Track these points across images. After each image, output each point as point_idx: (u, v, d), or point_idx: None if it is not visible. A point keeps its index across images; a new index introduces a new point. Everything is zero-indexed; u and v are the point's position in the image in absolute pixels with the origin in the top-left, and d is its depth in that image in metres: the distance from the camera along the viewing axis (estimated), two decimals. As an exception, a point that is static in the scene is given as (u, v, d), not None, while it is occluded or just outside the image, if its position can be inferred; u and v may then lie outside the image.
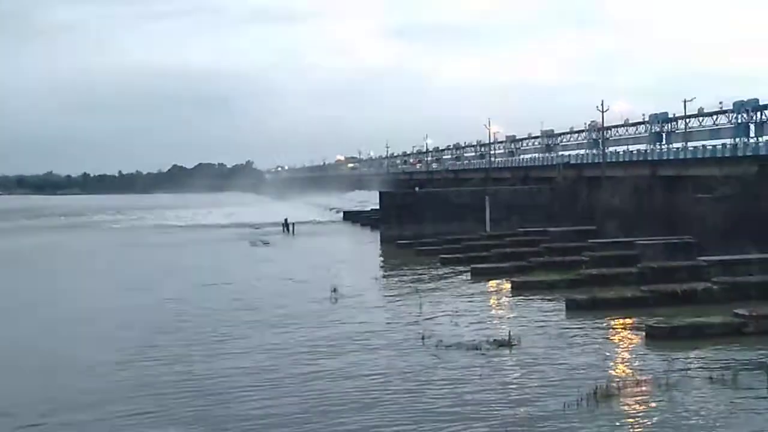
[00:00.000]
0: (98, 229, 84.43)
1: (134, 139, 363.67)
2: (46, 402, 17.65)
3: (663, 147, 50.56)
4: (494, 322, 25.88)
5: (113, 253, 56.35)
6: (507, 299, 30.86)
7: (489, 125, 79.99)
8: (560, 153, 67.42)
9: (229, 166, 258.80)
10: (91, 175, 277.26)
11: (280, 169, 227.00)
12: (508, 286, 32.81)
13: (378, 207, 61.15)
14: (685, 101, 49.81)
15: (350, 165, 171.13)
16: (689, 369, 19.16)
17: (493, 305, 30.09)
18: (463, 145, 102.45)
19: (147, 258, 52.04)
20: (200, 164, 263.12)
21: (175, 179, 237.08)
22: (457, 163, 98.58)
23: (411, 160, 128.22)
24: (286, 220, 70.01)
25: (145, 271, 43.77)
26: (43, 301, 33.58)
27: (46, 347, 23.90)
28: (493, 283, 34.47)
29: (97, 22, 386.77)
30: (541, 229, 47.75)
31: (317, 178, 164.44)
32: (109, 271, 45.40)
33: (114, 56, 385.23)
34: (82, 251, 58.75)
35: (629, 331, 23.84)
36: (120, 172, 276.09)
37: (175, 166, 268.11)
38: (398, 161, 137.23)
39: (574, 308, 27.09)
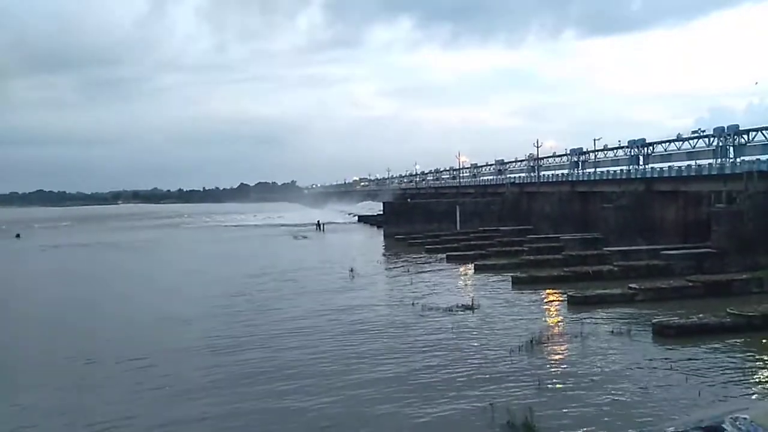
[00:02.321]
0: (189, 227, 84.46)
1: (214, 165, 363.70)
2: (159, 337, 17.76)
3: (579, 171, 50.46)
4: (462, 292, 25.89)
5: (201, 244, 56.39)
6: (471, 277, 30.81)
7: (459, 156, 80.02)
8: (508, 175, 67.19)
9: (279, 184, 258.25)
10: (184, 189, 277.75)
11: (314, 186, 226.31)
12: (472, 267, 32.75)
13: (382, 212, 61.10)
14: (594, 140, 49.83)
15: (362, 183, 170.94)
16: (597, 325, 19.20)
17: (462, 281, 30.08)
18: (440, 170, 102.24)
19: (224, 247, 51.97)
20: (259, 183, 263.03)
21: (241, 193, 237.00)
22: (437, 182, 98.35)
23: (405, 180, 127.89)
24: (318, 221, 69.88)
25: (222, 255, 43.73)
26: (155, 275, 33.81)
27: (163, 304, 24.07)
28: (461, 265, 34.45)
29: (190, 84, 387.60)
30: (494, 228, 47.73)
31: (340, 192, 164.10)
32: (198, 257, 45.37)
33: (202, 107, 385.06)
34: (180, 243, 58.88)
35: (556, 299, 23.87)
36: (203, 187, 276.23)
37: (242, 183, 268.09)
38: (396, 180, 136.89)
39: (517, 283, 27.06)
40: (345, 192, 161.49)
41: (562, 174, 52.67)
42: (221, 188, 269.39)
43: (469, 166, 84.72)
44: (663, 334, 17.50)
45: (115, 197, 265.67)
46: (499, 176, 69.79)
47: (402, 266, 34.92)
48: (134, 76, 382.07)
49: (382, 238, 53.86)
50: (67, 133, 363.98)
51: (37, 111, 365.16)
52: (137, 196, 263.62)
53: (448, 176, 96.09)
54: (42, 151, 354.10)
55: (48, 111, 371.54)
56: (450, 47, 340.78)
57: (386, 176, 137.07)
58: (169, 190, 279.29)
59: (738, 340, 16.77)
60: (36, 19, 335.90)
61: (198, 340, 18.50)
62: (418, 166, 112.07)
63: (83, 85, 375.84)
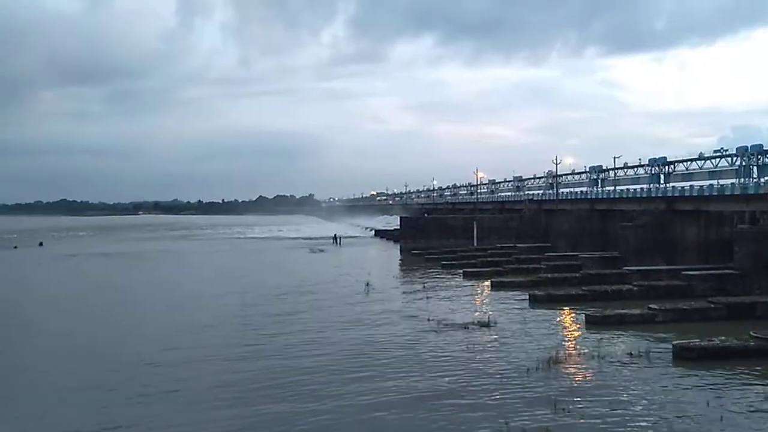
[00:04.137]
0: (207, 239, 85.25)
1: (234, 177, 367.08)
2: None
3: (599, 189, 49.98)
4: (478, 309, 25.70)
5: (218, 255, 56.85)
6: (488, 294, 30.58)
7: (477, 172, 79.54)
8: (526, 192, 66.85)
9: (297, 197, 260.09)
10: (204, 201, 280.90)
11: (332, 199, 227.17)
12: (488, 284, 32.50)
13: (399, 227, 61.03)
14: (615, 157, 49.22)
15: (379, 198, 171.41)
16: (615, 346, 18.85)
17: (478, 297, 29.85)
18: (458, 185, 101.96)
19: (241, 258, 52.32)
20: (278, 195, 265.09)
21: (260, 205, 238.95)
22: (454, 197, 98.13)
23: (422, 195, 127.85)
24: (335, 235, 70.05)
25: (239, 267, 43.97)
26: (180, 283, 34.36)
27: (179, 313, 24.23)
28: (478, 282, 34.19)
29: (213, 97, 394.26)
30: (512, 245, 47.40)
31: (357, 206, 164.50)
32: (214, 268, 45.68)
33: (224, 120, 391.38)
34: (197, 254, 59.50)
35: (574, 319, 23.53)
36: (223, 199, 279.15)
37: (260, 196, 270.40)
38: (414, 195, 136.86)
39: (535, 301, 26.79)
40: (362, 206, 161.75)
41: (581, 191, 52.20)
42: (240, 200, 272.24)
43: (487, 182, 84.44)
44: (684, 356, 17.10)
45: (136, 208, 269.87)
46: (517, 193, 69.44)
47: (418, 281, 34.74)
48: (159, 88, 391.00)
49: (399, 252, 53.74)
50: (91, 144, 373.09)
51: (63, 122, 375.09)
52: (158, 207, 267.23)
53: (465, 192, 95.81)
54: (67, 162, 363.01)
55: (74, 122, 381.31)
56: (472, 64, 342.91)
57: (404, 191, 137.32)
58: (189, 202, 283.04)
59: (762, 365, 16.29)
60: (66, 34, 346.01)
61: (210, 348, 18.52)
62: (435, 182, 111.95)
63: (109, 97, 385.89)
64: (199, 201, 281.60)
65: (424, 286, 32.20)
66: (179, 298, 29.27)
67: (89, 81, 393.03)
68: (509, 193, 72.33)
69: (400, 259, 49.60)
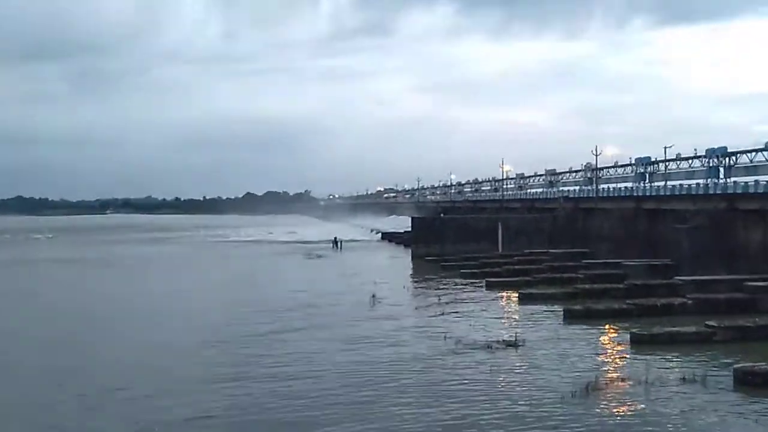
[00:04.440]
0: (186, 242, 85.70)
1: (217, 170, 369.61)
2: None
3: (646, 185, 49.79)
4: (504, 326, 25.67)
5: (198, 263, 57.21)
6: (515, 307, 30.57)
7: (502, 164, 79.26)
8: (560, 188, 66.75)
9: (291, 194, 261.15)
10: (182, 198, 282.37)
11: (331, 197, 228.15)
12: (515, 296, 32.48)
13: (410, 229, 61.09)
14: (665, 147, 49.23)
15: (387, 195, 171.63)
16: (666, 369, 18.76)
17: (503, 312, 29.82)
18: (480, 180, 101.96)
19: (225, 266, 52.64)
20: (268, 192, 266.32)
21: (248, 204, 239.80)
22: (476, 194, 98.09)
23: (438, 192, 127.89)
24: (335, 238, 70.25)
25: (222, 276, 44.24)
26: (154, 295, 34.60)
27: (153, 332, 24.37)
28: (503, 293, 34.18)
29: (194, 78, 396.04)
30: (544, 250, 47.30)
31: (361, 204, 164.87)
32: (199, 276, 45.97)
33: (206, 104, 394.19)
34: (178, 260, 60.04)
35: (616, 337, 23.44)
36: (204, 196, 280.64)
37: (248, 193, 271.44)
38: (427, 192, 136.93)
39: (570, 317, 26.71)
40: (367, 204, 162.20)
41: (626, 188, 52.07)
42: (224, 198, 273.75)
43: (515, 176, 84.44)
44: (746, 382, 17.00)
45: (103, 206, 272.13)
46: (550, 189, 69.41)
47: (432, 293, 34.80)
48: (131, 67, 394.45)
49: (410, 259, 53.80)
50: (52, 131, 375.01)
51: (18, 106, 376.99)
52: (129, 206, 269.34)
53: (489, 188, 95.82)
54: (23, 152, 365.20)
55: (31, 106, 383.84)
56: (497, 37, 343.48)
57: (416, 187, 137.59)
58: (164, 199, 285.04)
59: (840, 393, 16.18)
60: (23, 1, 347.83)
61: (193, 372, 18.64)
62: (453, 176, 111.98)
63: (72, 76, 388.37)
64: (177, 198, 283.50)
65: (439, 299, 32.22)
66: (151, 313, 29.46)
67: (50, 57, 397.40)
68: (540, 190, 72.27)
69: (411, 267, 49.64)
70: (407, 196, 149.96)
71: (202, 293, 35.93)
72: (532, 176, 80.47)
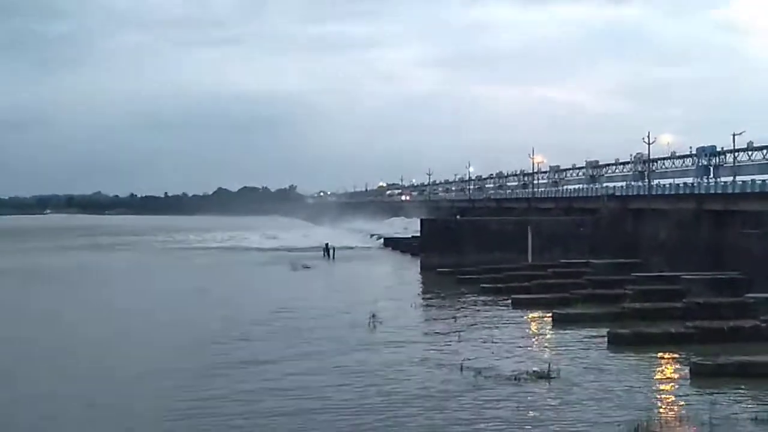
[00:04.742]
0: (144, 249, 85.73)
1: (182, 161, 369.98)
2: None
3: (710, 181, 49.76)
4: (534, 353, 25.66)
5: (158, 275, 57.27)
6: (547, 331, 30.56)
7: (533, 155, 79.34)
8: (605, 184, 66.77)
9: (272, 190, 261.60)
10: (138, 195, 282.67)
11: (322, 194, 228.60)
12: (549, 317, 32.47)
13: (419, 234, 61.11)
14: (734, 134, 48.92)
15: (388, 192, 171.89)
16: (734, 406, 18.72)
17: (533, 337, 29.81)
18: (505, 174, 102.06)
19: (191, 280, 52.53)
20: (244, 187, 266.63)
21: (219, 202, 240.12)
22: (500, 192, 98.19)
23: (453, 188, 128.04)
24: (326, 244, 70.33)
25: (188, 292, 44.07)
26: (101, 313, 34.49)
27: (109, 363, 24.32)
28: (533, 314, 34.13)
29: (154, 47, 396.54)
30: (584, 261, 47.27)
31: (359, 204, 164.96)
32: (157, 290, 45.96)
33: (169, 79, 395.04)
34: (132, 271, 60.08)
35: (673, 368, 23.42)
36: (166, 193, 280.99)
37: (220, 188, 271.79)
38: (440, 189, 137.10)
39: (616, 342, 26.66)
40: (366, 203, 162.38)
41: (685, 184, 52.08)
42: (190, 195, 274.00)
43: (548, 169, 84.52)
44: (834, 424, 16.95)
45: (41, 204, 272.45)
46: (591, 185, 69.41)
47: (446, 313, 34.79)
48: (77, 32, 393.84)
49: (419, 271, 53.78)
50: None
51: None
52: (73, 204, 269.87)
53: (516, 184, 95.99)
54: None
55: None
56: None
57: (426, 182, 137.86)
58: (116, 197, 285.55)
59: None
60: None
61: (146, 410, 18.64)
62: (472, 169, 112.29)
63: (4, 43, 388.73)
64: (133, 195, 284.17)
65: (455, 320, 32.23)
66: (98, 337, 29.30)
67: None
68: (580, 186, 72.27)
69: (420, 281, 49.63)
70: (415, 193, 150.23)
71: (163, 313, 35.84)
72: (570, 169, 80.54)
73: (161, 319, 33.60)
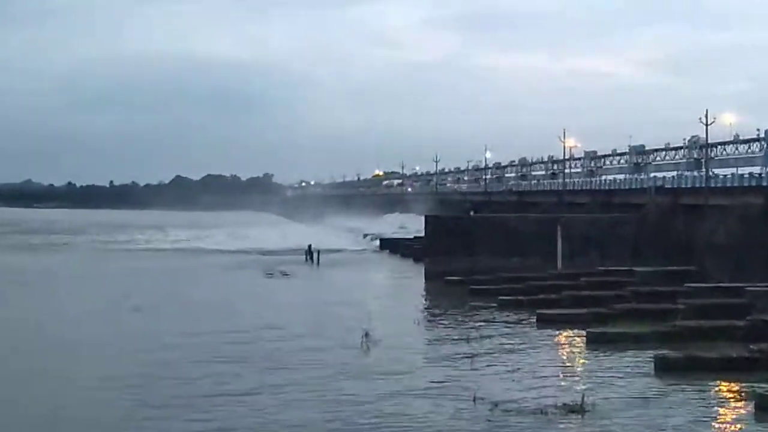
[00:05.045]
0: (84, 249, 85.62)
1: (132, 142, 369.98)
2: None
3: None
4: (563, 382, 25.67)
5: (104, 280, 57.07)
6: (581, 354, 30.55)
7: (564, 137, 79.08)
8: (651, 174, 66.90)
9: (244, 179, 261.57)
10: (77, 185, 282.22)
11: (305, 184, 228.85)
12: (582, 337, 32.45)
13: (423, 234, 61.15)
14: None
15: (386, 182, 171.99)
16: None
17: (563, 361, 29.79)
18: (530, 161, 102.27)
19: (143, 287, 52.43)
20: (209, 175, 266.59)
21: (178, 193, 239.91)
22: (523, 183, 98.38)
23: (465, 178, 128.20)
24: (309, 246, 70.34)
25: (141, 302, 43.88)
26: (26, 333, 34.35)
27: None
28: (563, 333, 34.16)
29: (87, 4, 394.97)
30: (625, 268, 47.30)
31: (350, 196, 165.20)
32: (99, 301, 45.75)
33: (107, 45, 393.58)
34: (67, 277, 59.91)
35: (735, 400, 23.41)
36: (111, 182, 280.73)
37: (179, 177, 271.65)
38: (449, 179, 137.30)
39: (665, 368, 26.69)
40: (358, 196, 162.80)
41: (751, 174, 52.22)
42: (142, 184, 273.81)
43: (583, 155, 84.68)
44: None
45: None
46: (635, 175, 69.57)
47: (457, 331, 34.88)
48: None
49: (423, 279, 53.84)
50: None
51: None
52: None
53: (542, 173, 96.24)
54: None
55: None
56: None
57: (433, 171, 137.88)
58: (51, 186, 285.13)
59: None
60: None
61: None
62: (489, 154, 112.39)
63: None
64: (71, 184, 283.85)
65: (467, 341, 32.31)
66: (18, 366, 29.02)
67: None
68: (620, 176, 72.42)
69: (424, 292, 49.72)
70: (419, 184, 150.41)
71: (105, 327, 35.78)
72: (609, 156, 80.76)
73: (101, 340, 33.42)
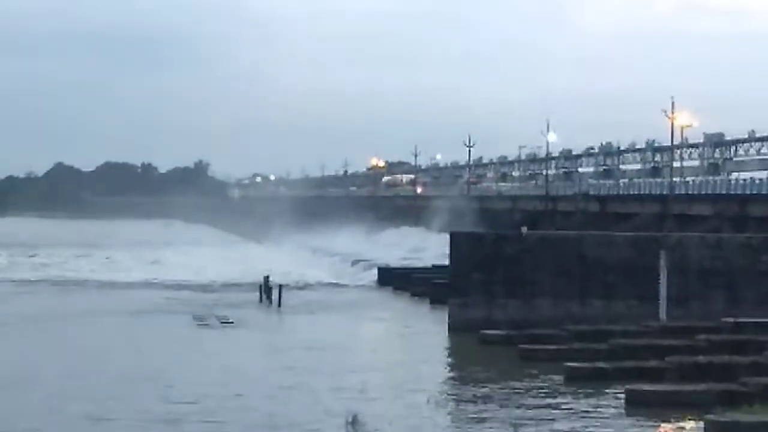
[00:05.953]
0: None
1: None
2: None
3: None
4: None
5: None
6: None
7: (671, 112, 78.86)
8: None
9: (162, 171, 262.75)
10: None
11: (260, 179, 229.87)
12: (701, 430, 32.20)
13: (447, 262, 61.04)
14: None
15: (388, 178, 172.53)
16: None
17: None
18: (616, 147, 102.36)
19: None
20: (106, 164, 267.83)
21: (57, 192, 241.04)
22: (607, 182, 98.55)
23: (514, 173, 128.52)
24: (266, 279, 70.47)
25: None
26: None
27: None
28: (669, 423, 33.95)
29: None
30: (768, 320, 47.37)
31: (332, 200, 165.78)
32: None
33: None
34: None
35: None
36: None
37: (59, 166, 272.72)
38: (488, 173, 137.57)
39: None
40: (345, 199, 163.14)
41: None
42: (17, 176, 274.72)
43: (700, 142, 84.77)
44: None
45: None
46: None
47: (498, 416, 34.90)
48: None
49: (445, 332, 54.18)
50: None
51: None
52: None
53: (639, 167, 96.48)
54: None
55: None
56: None
57: (461, 162, 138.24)
58: None
59: None
60: None
61: None
62: (553, 137, 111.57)
63: None
64: None
65: (514, 428, 32.34)
66: None
67: None
68: (763, 174, 72.36)
69: (448, 353, 49.94)
70: (431, 178, 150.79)
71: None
72: (743, 141, 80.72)
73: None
